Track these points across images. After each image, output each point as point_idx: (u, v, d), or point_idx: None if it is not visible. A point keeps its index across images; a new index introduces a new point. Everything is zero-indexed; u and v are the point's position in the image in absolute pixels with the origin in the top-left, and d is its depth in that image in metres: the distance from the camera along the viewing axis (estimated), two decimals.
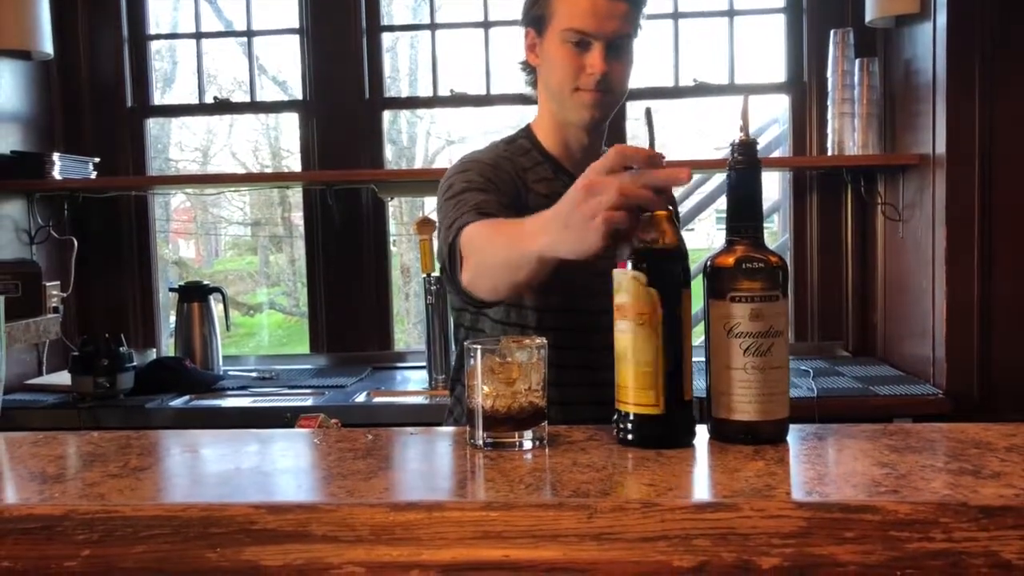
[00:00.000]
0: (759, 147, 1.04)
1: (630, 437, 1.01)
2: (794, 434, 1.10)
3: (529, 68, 1.58)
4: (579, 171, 1.50)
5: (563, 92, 1.48)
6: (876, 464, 0.92)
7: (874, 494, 0.82)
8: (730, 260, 1.02)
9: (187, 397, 2.71)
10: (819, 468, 0.95)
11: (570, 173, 1.52)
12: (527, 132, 1.59)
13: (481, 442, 1.03)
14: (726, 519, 0.79)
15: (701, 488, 0.91)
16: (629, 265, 0.99)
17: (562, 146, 1.55)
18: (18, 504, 0.86)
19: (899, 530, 0.77)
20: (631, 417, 1.01)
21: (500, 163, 1.49)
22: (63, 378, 2.73)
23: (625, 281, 1.00)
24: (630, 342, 1.00)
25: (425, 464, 1.02)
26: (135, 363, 2.72)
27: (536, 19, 1.50)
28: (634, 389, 1.00)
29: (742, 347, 1.00)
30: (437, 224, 1.49)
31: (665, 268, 1.00)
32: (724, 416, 1.02)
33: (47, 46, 2.86)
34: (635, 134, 3.40)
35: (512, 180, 1.48)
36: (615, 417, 1.04)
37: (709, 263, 1.04)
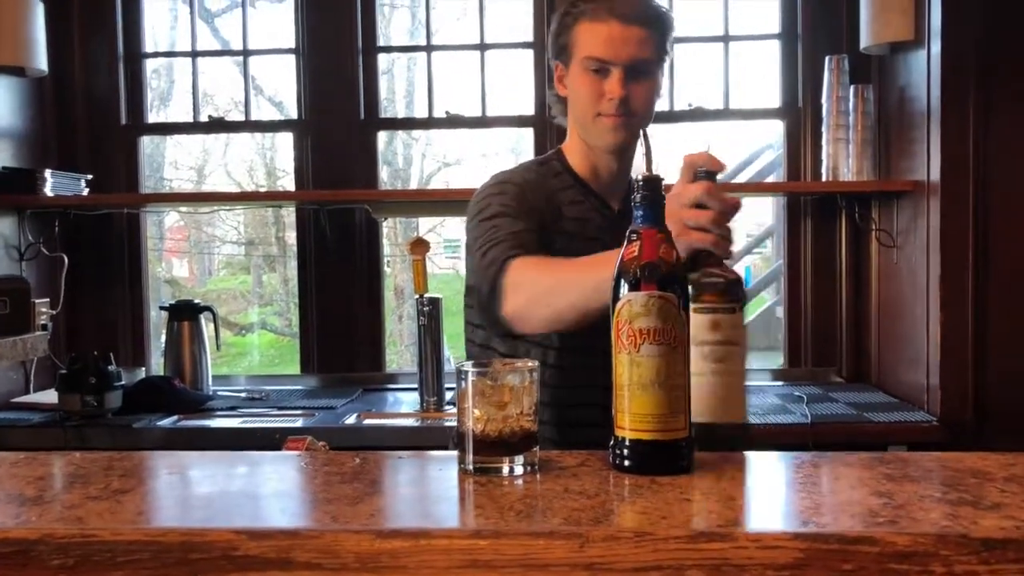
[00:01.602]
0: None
1: (643, 465, 0.99)
2: (789, 461, 1.08)
3: (560, 99, 1.63)
4: (608, 195, 1.54)
5: (586, 118, 1.53)
6: (873, 493, 0.90)
7: (872, 525, 0.80)
8: (695, 275, 1.09)
9: (175, 417, 2.68)
10: (815, 497, 0.93)
11: (599, 196, 1.57)
12: (558, 155, 1.63)
13: (471, 467, 1.01)
14: (721, 549, 0.77)
15: (696, 517, 0.89)
16: (656, 288, 0.98)
17: (591, 170, 1.59)
18: None
19: (898, 562, 0.76)
20: (645, 444, 0.98)
21: (532, 186, 1.54)
22: (50, 396, 2.70)
23: (656, 304, 0.98)
24: (661, 367, 0.97)
25: (413, 489, 1.00)
26: (124, 382, 2.69)
27: (560, 50, 1.55)
28: (663, 415, 0.98)
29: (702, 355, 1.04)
30: (467, 243, 1.53)
31: (686, 290, 1.00)
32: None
33: (41, 62, 2.85)
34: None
35: (543, 203, 1.52)
36: (613, 443, 1.01)
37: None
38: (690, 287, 1.04)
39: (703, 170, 1.12)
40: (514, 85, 3.28)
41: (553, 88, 1.62)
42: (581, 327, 1.31)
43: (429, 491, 0.99)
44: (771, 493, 1.00)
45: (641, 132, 1.07)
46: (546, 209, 1.52)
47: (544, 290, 1.34)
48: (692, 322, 1.02)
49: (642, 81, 1.50)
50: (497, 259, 1.38)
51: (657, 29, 1.50)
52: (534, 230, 1.45)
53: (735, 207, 1.14)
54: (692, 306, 1.02)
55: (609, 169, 1.58)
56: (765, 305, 6.32)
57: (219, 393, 2.97)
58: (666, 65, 1.57)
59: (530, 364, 1.04)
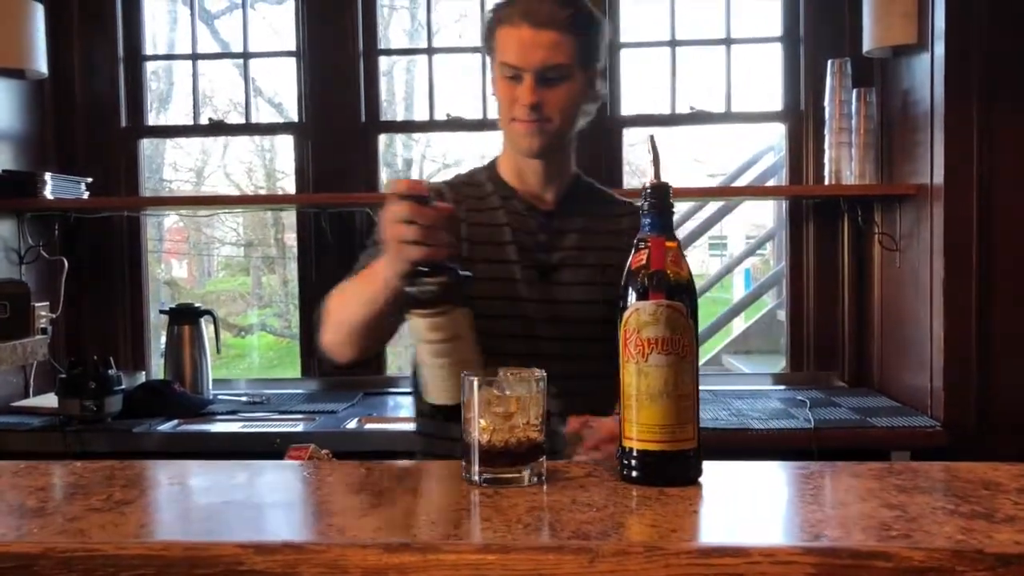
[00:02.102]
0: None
1: (651, 475, 0.98)
2: (797, 471, 1.07)
3: None
4: (538, 196, 1.54)
5: (504, 123, 1.53)
6: (885, 506, 0.89)
7: (885, 539, 0.79)
8: (412, 288, 1.18)
9: (176, 421, 2.66)
10: (826, 510, 0.92)
11: (525, 200, 1.57)
12: (491, 162, 1.64)
13: (477, 478, 0.99)
14: (733, 565, 0.76)
15: (707, 530, 0.88)
16: (665, 297, 0.97)
17: (517, 174, 1.59)
18: None
19: None
20: (655, 454, 0.97)
21: (438, 197, 1.56)
22: (50, 400, 2.69)
23: (665, 314, 0.97)
24: (670, 376, 0.96)
25: (419, 501, 0.99)
26: (124, 386, 2.68)
27: (489, 54, 1.55)
28: (673, 426, 0.97)
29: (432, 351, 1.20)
30: None
31: (695, 299, 1.00)
32: None
33: (41, 65, 2.84)
34: (630, 160, 3.39)
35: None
36: (620, 453, 1.00)
37: None
38: (414, 292, 1.15)
39: (407, 194, 1.19)
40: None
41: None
42: (379, 340, 1.40)
43: (436, 503, 0.98)
44: (780, 505, 0.99)
45: (649, 139, 1.06)
46: None
47: (335, 317, 1.39)
48: (415, 325, 1.14)
49: (557, 86, 1.47)
50: (331, 293, 1.44)
51: (575, 33, 1.46)
52: None
53: (445, 217, 1.19)
54: (417, 312, 1.14)
55: (535, 173, 1.57)
56: (766, 308, 6.30)
57: (219, 397, 2.96)
58: (600, 68, 1.54)
59: (537, 374, 1.03)
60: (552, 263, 1.54)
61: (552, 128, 1.49)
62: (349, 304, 1.34)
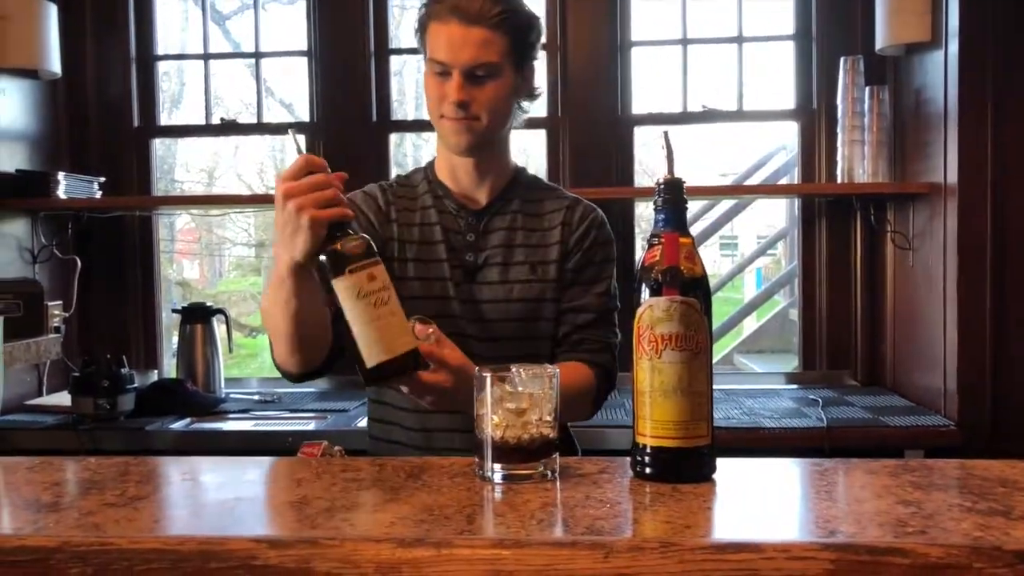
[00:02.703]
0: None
1: (665, 472, 0.97)
2: (811, 468, 1.07)
3: None
4: (467, 197, 1.54)
5: (433, 120, 1.52)
6: (900, 502, 0.89)
7: (902, 535, 0.79)
8: (335, 247, 1.12)
9: (188, 420, 2.67)
10: (841, 505, 0.91)
11: (457, 200, 1.58)
12: (429, 162, 1.65)
13: (490, 474, 0.99)
14: (748, 560, 0.75)
15: (721, 526, 0.88)
16: (679, 293, 0.97)
17: (450, 174, 1.59)
18: (9, 535, 0.83)
19: (930, 574, 0.74)
20: (668, 451, 0.97)
21: (369, 200, 1.58)
22: (63, 399, 2.70)
23: (679, 310, 0.96)
24: (684, 372, 0.96)
25: (432, 496, 0.98)
26: (136, 384, 2.69)
27: (421, 49, 1.54)
28: (687, 422, 0.96)
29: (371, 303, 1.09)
30: None
31: (709, 295, 0.99)
32: None
33: (55, 65, 2.85)
34: (641, 159, 3.38)
35: (373, 214, 1.56)
36: (633, 450, 1.00)
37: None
38: (329, 261, 1.09)
39: (318, 164, 1.20)
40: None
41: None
42: (314, 340, 1.35)
43: (449, 498, 0.98)
44: (795, 501, 0.98)
45: (663, 135, 1.05)
46: (375, 220, 1.55)
47: (271, 332, 1.36)
48: (351, 282, 1.07)
49: (486, 84, 1.46)
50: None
51: (506, 31, 1.45)
52: None
53: (340, 177, 1.21)
54: (348, 269, 1.07)
55: (466, 171, 1.57)
56: (778, 308, 6.28)
57: (231, 396, 2.97)
58: (532, 65, 1.54)
59: (550, 370, 1.03)
60: (478, 263, 1.54)
61: (480, 127, 1.48)
62: (274, 314, 1.30)
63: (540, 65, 1.59)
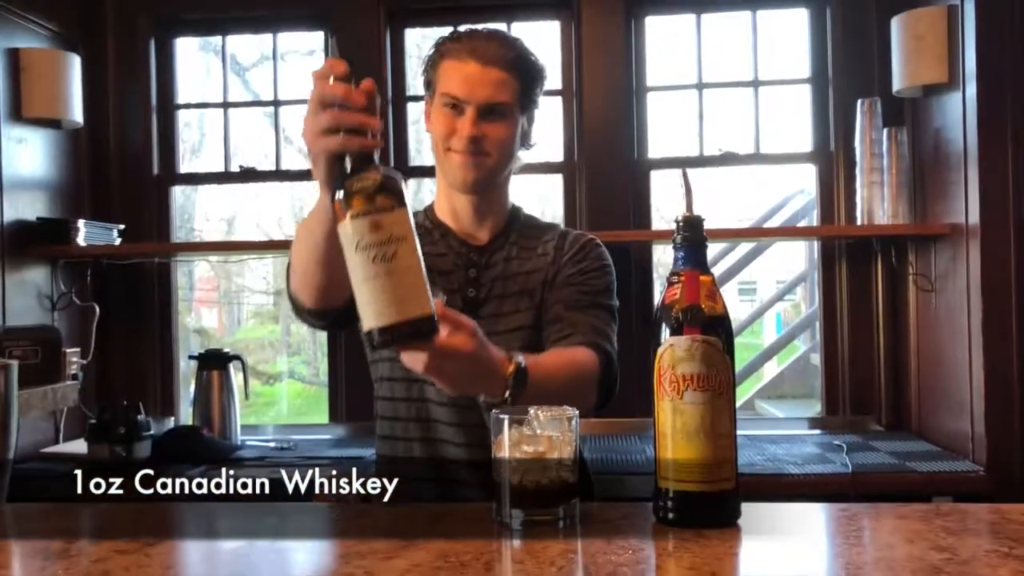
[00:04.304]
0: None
1: (689, 517, 0.94)
2: (838, 513, 1.04)
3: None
4: (469, 236, 1.58)
5: (439, 153, 1.53)
6: (934, 548, 0.86)
7: None
8: (346, 183, 1.00)
9: (204, 467, 2.65)
10: (871, 551, 0.88)
11: (460, 239, 1.59)
12: (428, 206, 1.66)
13: (509, 519, 0.97)
14: None
15: (747, 573, 0.85)
16: (700, 332, 0.95)
17: (451, 214, 1.61)
18: None
19: None
20: (692, 495, 0.94)
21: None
22: (79, 447, 2.69)
23: (701, 349, 0.94)
24: (706, 414, 0.94)
25: (448, 543, 0.96)
26: (153, 431, 2.68)
27: (427, 86, 1.56)
28: (711, 466, 0.94)
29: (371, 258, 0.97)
30: None
31: (731, 334, 0.97)
32: None
33: (77, 115, 2.89)
34: (658, 206, 3.37)
35: None
36: (656, 495, 0.97)
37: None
38: (342, 196, 0.97)
39: (342, 74, 1.09)
40: (542, 133, 3.27)
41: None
42: (330, 279, 1.23)
43: (466, 545, 0.95)
44: (823, 547, 0.95)
45: (680, 172, 1.05)
46: None
47: (293, 261, 1.31)
48: (353, 229, 0.95)
49: (496, 122, 1.49)
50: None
51: (519, 75, 1.50)
52: None
53: (373, 98, 1.07)
54: (349, 213, 0.95)
55: (467, 209, 1.58)
56: (799, 352, 6.22)
57: (247, 443, 2.95)
58: (534, 114, 1.57)
59: (568, 412, 1.01)
60: (479, 297, 1.55)
61: (490, 163, 1.51)
62: (298, 236, 1.26)
63: (540, 116, 1.62)
